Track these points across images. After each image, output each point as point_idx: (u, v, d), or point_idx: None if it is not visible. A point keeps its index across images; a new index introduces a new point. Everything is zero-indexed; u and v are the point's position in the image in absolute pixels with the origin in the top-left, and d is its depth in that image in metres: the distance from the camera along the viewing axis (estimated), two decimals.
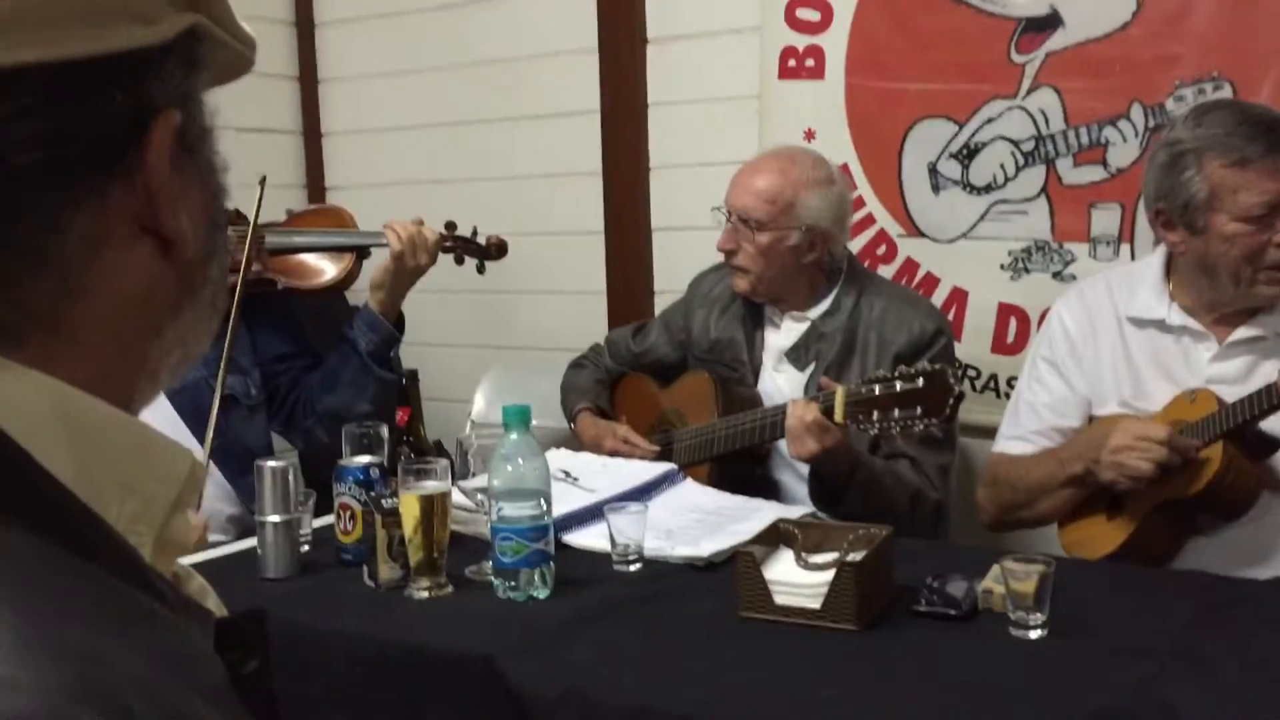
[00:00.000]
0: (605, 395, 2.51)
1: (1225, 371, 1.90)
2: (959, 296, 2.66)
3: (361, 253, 2.42)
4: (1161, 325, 1.97)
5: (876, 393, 1.81)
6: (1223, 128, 1.83)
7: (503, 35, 3.16)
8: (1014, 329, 2.60)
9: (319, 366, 2.38)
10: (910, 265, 2.70)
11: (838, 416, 1.86)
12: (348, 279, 2.41)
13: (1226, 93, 2.32)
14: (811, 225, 2.20)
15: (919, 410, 1.76)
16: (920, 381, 1.76)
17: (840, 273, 2.28)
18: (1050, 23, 2.48)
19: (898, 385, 1.79)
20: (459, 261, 2.48)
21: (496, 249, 2.48)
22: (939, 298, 2.67)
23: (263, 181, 1.77)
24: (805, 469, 2.17)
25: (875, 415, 1.81)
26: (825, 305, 2.26)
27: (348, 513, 1.78)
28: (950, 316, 2.66)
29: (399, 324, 2.36)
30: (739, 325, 2.34)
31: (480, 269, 2.49)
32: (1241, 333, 1.91)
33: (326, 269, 2.40)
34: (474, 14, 3.20)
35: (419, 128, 3.33)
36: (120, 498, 0.51)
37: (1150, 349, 1.98)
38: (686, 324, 2.45)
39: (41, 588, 0.44)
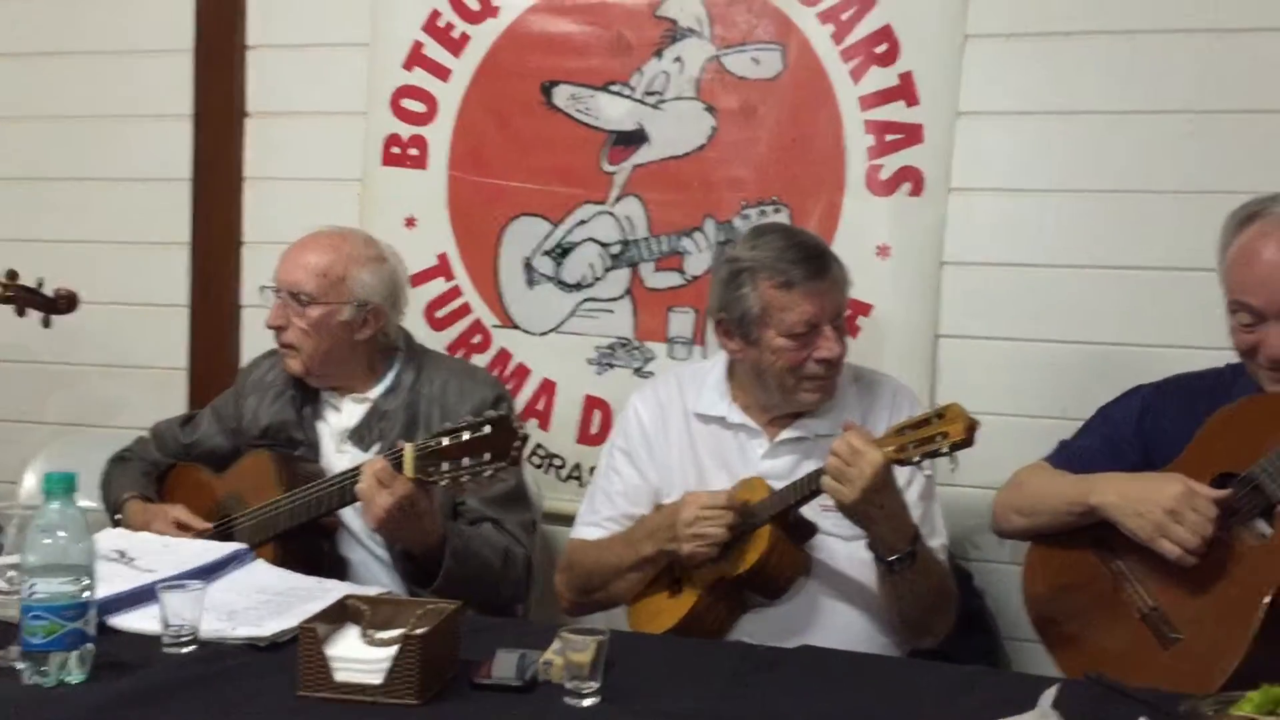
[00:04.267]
0: (153, 487, 2.34)
1: (775, 467, 2.08)
2: (549, 388, 2.76)
3: None
4: (723, 422, 2.14)
5: (445, 443, 1.83)
6: (773, 251, 2.03)
7: (90, 90, 2.98)
8: (598, 420, 2.72)
9: None
10: (504, 355, 2.77)
11: (408, 471, 1.86)
12: None
13: (784, 216, 2.60)
14: (364, 301, 2.22)
15: (487, 456, 1.79)
16: (487, 429, 1.80)
17: (398, 351, 2.30)
18: (637, 138, 2.69)
19: (465, 435, 1.81)
20: (20, 313, 2.25)
21: (66, 302, 2.28)
22: (530, 388, 2.75)
23: None
24: (378, 547, 2.14)
25: (445, 466, 1.82)
26: (386, 384, 2.26)
27: None
28: (540, 407, 2.75)
29: None
30: (291, 408, 2.27)
31: (46, 323, 2.27)
32: (787, 434, 2.10)
33: None
34: (61, 64, 3.00)
35: None
36: None
37: (713, 443, 2.14)
38: (237, 411, 2.35)
39: None
